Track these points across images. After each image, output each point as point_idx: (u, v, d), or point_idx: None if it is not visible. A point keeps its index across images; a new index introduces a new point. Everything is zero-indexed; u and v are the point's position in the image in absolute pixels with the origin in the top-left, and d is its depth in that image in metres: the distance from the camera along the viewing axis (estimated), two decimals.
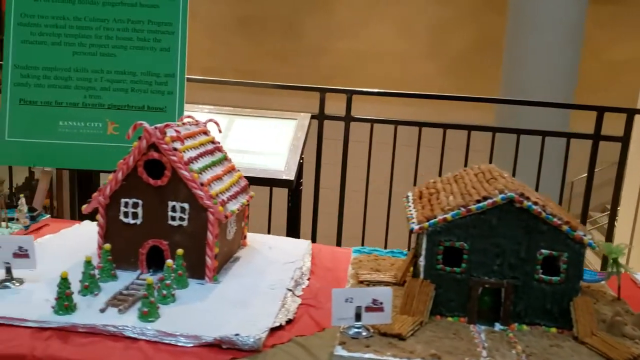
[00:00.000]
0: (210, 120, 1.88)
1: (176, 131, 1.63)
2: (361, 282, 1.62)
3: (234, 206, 1.65)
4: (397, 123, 3.57)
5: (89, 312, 1.38)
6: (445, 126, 3.43)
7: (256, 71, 7.72)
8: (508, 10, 6.40)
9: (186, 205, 1.58)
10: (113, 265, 1.56)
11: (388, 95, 3.69)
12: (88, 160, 2.59)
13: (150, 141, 1.56)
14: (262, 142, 3.33)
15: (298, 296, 1.56)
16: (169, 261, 1.47)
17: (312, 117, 3.56)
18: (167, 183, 1.58)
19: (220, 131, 1.93)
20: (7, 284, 1.49)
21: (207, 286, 1.57)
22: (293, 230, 3.36)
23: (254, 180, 2.65)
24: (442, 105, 4.17)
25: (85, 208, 1.61)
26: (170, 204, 1.58)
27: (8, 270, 1.49)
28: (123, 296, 1.45)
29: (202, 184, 1.56)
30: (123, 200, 1.60)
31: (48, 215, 2.10)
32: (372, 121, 3.56)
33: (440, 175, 3.03)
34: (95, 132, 2.58)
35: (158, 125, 1.59)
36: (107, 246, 1.54)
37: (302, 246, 1.93)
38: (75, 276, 1.45)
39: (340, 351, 1.25)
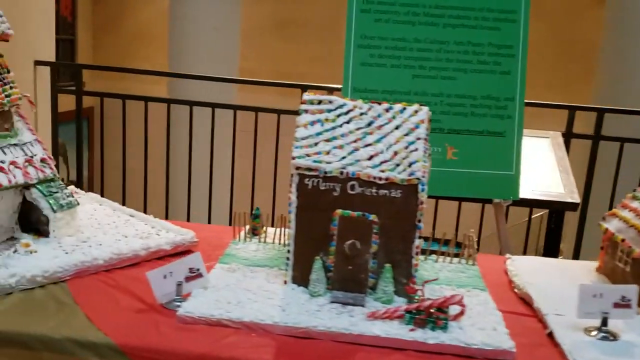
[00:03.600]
0: None
1: None
2: None
3: None
4: (621, 140, 3.51)
5: None
6: None
7: (294, 74, 7.48)
8: (605, 20, 6.36)
9: None
10: None
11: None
12: (429, 185, 2.54)
13: None
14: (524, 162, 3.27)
15: None
16: None
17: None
18: None
19: None
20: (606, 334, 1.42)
21: None
22: (552, 253, 3.31)
23: (532, 203, 2.61)
24: None
25: None
26: None
27: (604, 322, 1.43)
28: None
29: None
30: None
31: None
32: (623, 140, 3.51)
33: None
34: (435, 156, 2.51)
35: None
36: None
37: None
38: None
39: None
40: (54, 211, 1.70)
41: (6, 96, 1.65)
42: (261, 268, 1.66)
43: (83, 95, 3.82)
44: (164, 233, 1.87)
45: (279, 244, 1.86)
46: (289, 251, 1.53)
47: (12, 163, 1.63)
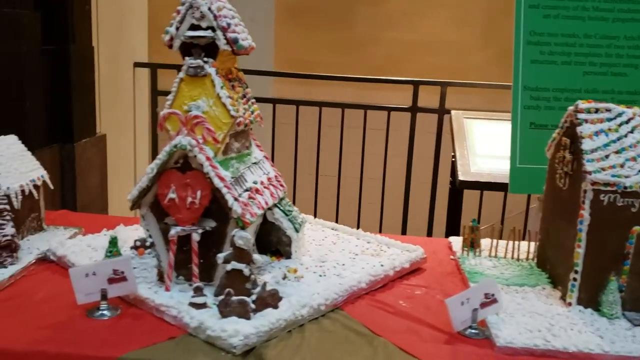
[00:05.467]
0: None
1: None
2: None
3: None
4: None
5: None
6: None
7: (307, 62, 7.21)
8: None
9: None
10: None
11: None
12: None
13: None
14: None
15: None
16: None
17: None
18: None
19: None
20: None
21: None
22: None
23: None
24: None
25: None
26: None
27: None
28: None
29: None
30: None
31: None
32: None
33: None
34: None
35: None
36: None
37: None
38: None
39: None
40: (297, 231, 1.60)
41: (251, 113, 1.54)
42: (521, 287, 1.57)
43: None
44: (387, 248, 1.78)
45: (512, 258, 1.77)
46: (576, 271, 1.44)
47: (262, 183, 1.53)
